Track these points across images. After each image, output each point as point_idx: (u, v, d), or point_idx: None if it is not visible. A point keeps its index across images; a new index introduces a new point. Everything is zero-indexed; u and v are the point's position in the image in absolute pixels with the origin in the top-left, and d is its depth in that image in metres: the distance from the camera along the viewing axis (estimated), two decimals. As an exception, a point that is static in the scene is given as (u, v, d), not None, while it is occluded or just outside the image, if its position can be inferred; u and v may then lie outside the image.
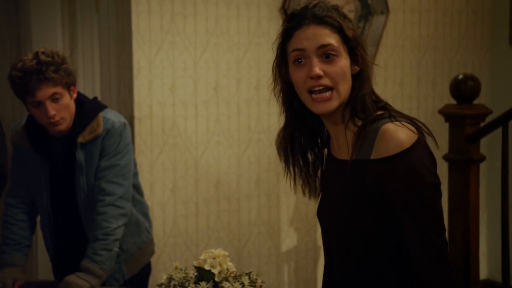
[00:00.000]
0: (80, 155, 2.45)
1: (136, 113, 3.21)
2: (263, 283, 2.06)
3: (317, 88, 1.45)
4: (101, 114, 2.49)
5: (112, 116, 2.50)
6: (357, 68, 1.49)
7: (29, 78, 2.32)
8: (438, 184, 1.41)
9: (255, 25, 3.51)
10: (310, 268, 3.81)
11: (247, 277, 2.04)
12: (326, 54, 1.45)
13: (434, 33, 4.04)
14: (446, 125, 3.06)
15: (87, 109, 2.48)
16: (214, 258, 2.08)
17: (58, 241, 2.62)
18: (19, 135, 2.53)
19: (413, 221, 1.38)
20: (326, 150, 1.62)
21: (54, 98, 2.37)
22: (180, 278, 2.03)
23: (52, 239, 2.61)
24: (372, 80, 1.50)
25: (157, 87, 3.27)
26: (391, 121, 1.41)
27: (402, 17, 3.94)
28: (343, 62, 1.46)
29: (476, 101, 3.07)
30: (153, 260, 3.28)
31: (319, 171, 1.61)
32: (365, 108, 1.46)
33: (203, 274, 2.02)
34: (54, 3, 3.77)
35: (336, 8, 1.51)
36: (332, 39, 1.46)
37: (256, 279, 2.05)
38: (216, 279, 2.00)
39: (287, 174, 1.59)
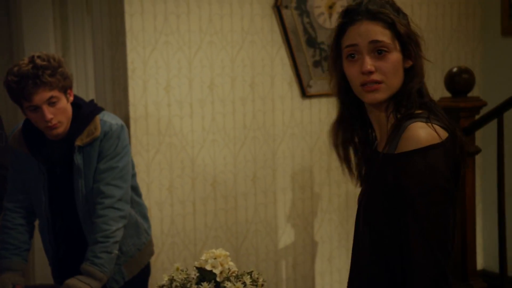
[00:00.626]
0: (78, 158, 2.45)
1: (132, 114, 3.21)
2: (264, 282, 2.07)
3: (368, 83, 1.51)
4: (98, 117, 2.48)
5: (109, 118, 2.50)
6: (410, 63, 1.53)
7: (26, 83, 2.32)
8: (448, 189, 1.42)
9: (248, 23, 3.51)
10: (308, 264, 3.82)
11: (248, 276, 2.04)
12: (378, 50, 1.50)
13: (427, 26, 4.05)
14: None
15: (84, 112, 2.48)
16: (215, 258, 2.08)
17: (58, 244, 2.62)
18: (16, 139, 2.52)
19: (414, 219, 1.40)
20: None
21: (51, 102, 2.36)
22: (181, 279, 2.04)
23: (51, 242, 2.61)
24: (423, 75, 1.53)
25: (152, 87, 3.26)
26: (422, 121, 1.45)
27: (394, 11, 3.95)
28: (395, 57, 1.51)
29: (469, 94, 3.08)
30: (152, 260, 3.29)
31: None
32: (410, 101, 1.50)
33: (204, 275, 2.03)
34: (45, 6, 3.76)
35: (390, 3, 1.54)
36: (384, 35, 1.50)
37: (257, 278, 2.06)
38: (218, 279, 2.01)
39: (344, 163, 1.64)
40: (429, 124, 1.44)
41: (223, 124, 3.49)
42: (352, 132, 1.61)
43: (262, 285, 2.06)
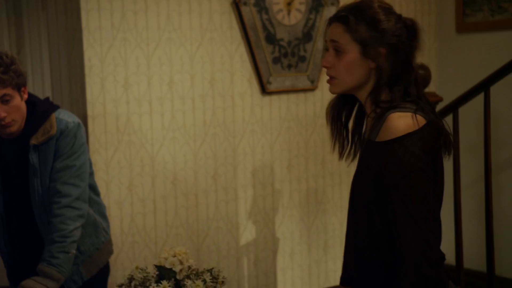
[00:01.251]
0: (34, 157, 2.41)
1: (89, 112, 3.17)
2: (224, 279, 2.06)
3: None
4: (54, 115, 2.44)
5: (65, 116, 2.46)
6: (373, 64, 1.68)
7: None
8: (426, 170, 1.59)
9: (207, 20, 3.50)
10: (270, 260, 3.83)
11: (208, 273, 2.04)
12: (335, 48, 1.69)
13: (384, 23, 4.08)
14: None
15: (39, 110, 2.44)
16: (174, 256, 2.07)
17: (13, 245, 2.57)
18: (-32, 138, 2.47)
19: (399, 199, 1.58)
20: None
21: (4, 100, 2.32)
22: (141, 278, 2.02)
23: (6, 243, 2.57)
24: (386, 75, 1.67)
25: (109, 85, 3.23)
26: (402, 111, 1.61)
27: (352, 8, 3.98)
28: (349, 58, 1.68)
29: (426, 89, 3.13)
30: (111, 259, 3.25)
31: (356, 139, 1.83)
32: (378, 100, 1.67)
33: (164, 273, 2.01)
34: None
35: (362, 9, 1.69)
36: (341, 37, 1.68)
37: (218, 275, 2.06)
38: (178, 277, 2.00)
39: (331, 137, 1.82)
40: (407, 113, 1.59)
41: (183, 121, 3.47)
42: (339, 110, 1.79)
43: (223, 282, 2.06)
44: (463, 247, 3.02)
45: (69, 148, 2.43)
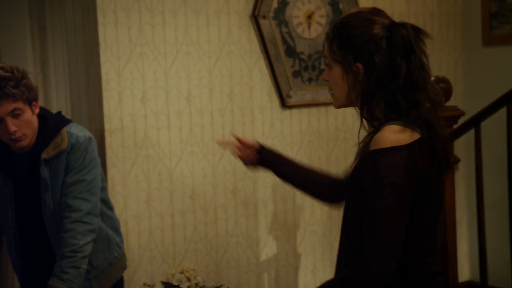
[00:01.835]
0: (45, 172, 2.40)
1: (107, 126, 3.17)
2: (233, 296, 2.03)
3: None
4: (65, 129, 2.43)
5: (76, 130, 2.45)
6: (355, 80, 1.69)
7: None
8: (403, 186, 1.57)
9: (225, 33, 3.48)
10: (291, 276, 3.77)
11: (216, 291, 2.00)
12: (326, 63, 1.74)
13: (408, 36, 4.02)
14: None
15: (50, 124, 2.43)
16: (182, 273, 2.04)
17: (26, 260, 2.56)
18: (-20, 152, 2.47)
19: (368, 208, 1.59)
20: None
21: (15, 114, 2.32)
22: (148, 295, 2.00)
23: (20, 259, 2.55)
24: (366, 90, 1.66)
25: (127, 99, 3.23)
26: (396, 124, 1.60)
27: (375, 20, 3.93)
28: (334, 73, 1.71)
29: (450, 103, 3.05)
30: (129, 274, 3.24)
31: None
32: (365, 116, 1.68)
33: (171, 290, 1.98)
34: (22, 17, 3.72)
35: (340, 26, 1.70)
36: (327, 54, 1.72)
37: (225, 293, 2.02)
38: (184, 294, 1.97)
39: None
40: (402, 127, 1.58)
41: (201, 135, 3.45)
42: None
43: (231, 299, 2.02)
44: (488, 264, 2.93)
45: (80, 163, 2.42)
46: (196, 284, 2.02)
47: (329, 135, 3.82)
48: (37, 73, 3.78)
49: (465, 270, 4.22)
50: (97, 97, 3.19)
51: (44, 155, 2.39)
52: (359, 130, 1.72)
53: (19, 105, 2.31)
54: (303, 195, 3.77)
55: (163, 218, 3.38)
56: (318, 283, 3.93)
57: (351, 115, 3.80)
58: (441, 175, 1.66)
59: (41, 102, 3.75)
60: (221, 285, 2.06)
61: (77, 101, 3.26)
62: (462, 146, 4.06)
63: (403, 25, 1.66)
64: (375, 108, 1.65)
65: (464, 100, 4.17)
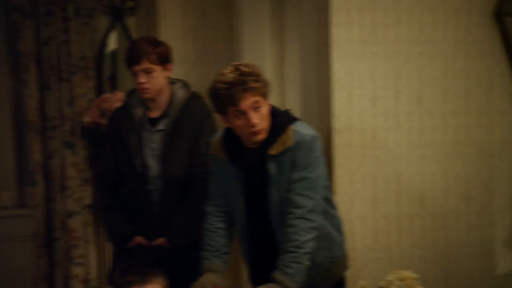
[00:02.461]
0: (271, 167, 2.48)
1: (335, 125, 3.19)
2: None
3: None
4: (292, 127, 2.50)
5: (302, 128, 2.50)
6: None
7: (234, 89, 2.40)
8: None
9: (463, 32, 3.31)
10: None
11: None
12: None
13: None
14: None
15: (279, 121, 2.51)
16: (401, 280, 1.99)
17: (255, 250, 2.67)
18: (216, 146, 2.62)
19: None
20: None
21: (256, 107, 2.43)
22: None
23: (249, 248, 2.67)
24: None
25: (356, 99, 3.22)
26: None
27: None
28: None
29: None
30: (353, 274, 3.24)
31: None
32: None
33: (386, 296, 1.94)
34: (264, 17, 3.89)
35: None
36: None
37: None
38: (400, 302, 1.91)
39: None
40: None
41: (432, 138, 3.33)
42: None
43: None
44: None
45: (305, 160, 2.46)
46: (413, 294, 1.95)
47: None
48: (274, 72, 3.93)
49: None
50: (327, 96, 3.23)
51: (271, 151, 2.47)
52: None
53: (259, 98, 2.42)
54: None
55: (389, 220, 3.32)
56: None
57: None
58: None
59: (276, 99, 3.90)
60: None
61: (308, 99, 3.34)
62: None
63: None
64: None
65: None
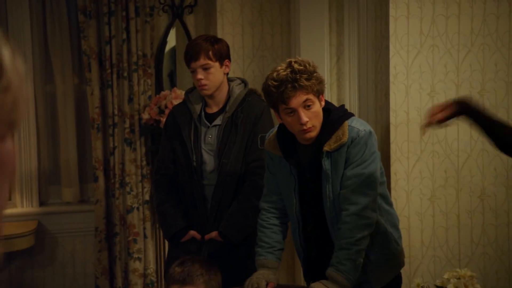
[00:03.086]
0: (326, 163, 2.46)
1: (392, 120, 3.14)
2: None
3: None
4: (347, 123, 2.47)
5: (357, 124, 2.47)
6: None
7: (284, 87, 2.39)
8: None
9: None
10: None
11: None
12: None
13: None
14: None
15: (334, 117, 2.48)
16: (459, 279, 1.94)
17: (309, 247, 2.66)
18: (271, 143, 2.62)
19: None
20: None
21: (306, 105, 2.41)
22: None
23: (302, 244, 2.66)
24: None
25: (414, 93, 3.15)
26: None
27: None
28: None
29: None
30: (410, 271, 3.19)
31: None
32: None
33: (442, 295, 1.89)
34: (322, 12, 3.86)
35: None
36: None
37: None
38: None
39: None
40: None
41: (494, 132, 3.22)
42: None
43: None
44: None
45: (360, 156, 2.43)
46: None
47: None
48: (332, 66, 3.89)
49: None
50: (384, 91, 3.18)
51: (326, 147, 2.45)
52: None
53: (310, 96, 2.40)
54: None
55: (448, 217, 3.24)
56: None
57: None
58: None
59: (334, 94, 3.86)
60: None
61: (365, 93, 3.29)
62: None
63: None
64: None
65: None
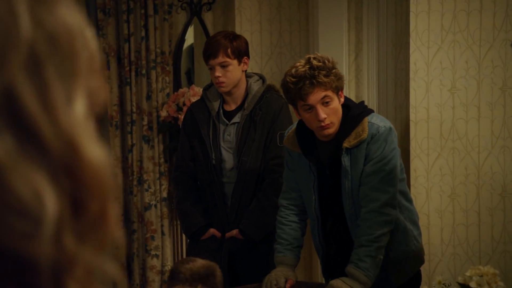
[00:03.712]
0: (346, 160, 2.44)
1: (412, 116, 3.12)
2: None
3: None
4: (367, 119, 2.45)
5: (377, 120, 2.45)
6: None
7: (303, 83, 2.38)
8: None
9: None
10: None
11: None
12: None
13: None
14: None
15: (353, 113, 2.46)
16: (481, 276, 1.92)
17: (328, 244, 2.65)
18: (290, 139, 2.60)
19: None
20: None
21: (324, 102, 2.39)
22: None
23: (321, 241, 2.65)
24: None
25: (435, 89, 3.13)
26: None
27: None
28: None
29: None
30: (429, 269, 3.16)
31: None
32: None
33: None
34: (341, 9, 3.84)
35: None
36: None
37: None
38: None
39: None
40: None
41: (516, 129, 3.20)
42: None
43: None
44: None
45: (380, 153, 2.41)
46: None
47: None
48: (350, 63, 3.87)
49: None
50: (404, 87, 3.16)
51: (345, 144, 2.43)
52: None
53: (329, 93, 2.38)
54: None
55: (468, 214, 3.22)
56: None
57: None
58: None
59: (352, 91, 3.84)
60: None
61: (385, 90, 3.26)
62: None
63: None
64: None
65: None
